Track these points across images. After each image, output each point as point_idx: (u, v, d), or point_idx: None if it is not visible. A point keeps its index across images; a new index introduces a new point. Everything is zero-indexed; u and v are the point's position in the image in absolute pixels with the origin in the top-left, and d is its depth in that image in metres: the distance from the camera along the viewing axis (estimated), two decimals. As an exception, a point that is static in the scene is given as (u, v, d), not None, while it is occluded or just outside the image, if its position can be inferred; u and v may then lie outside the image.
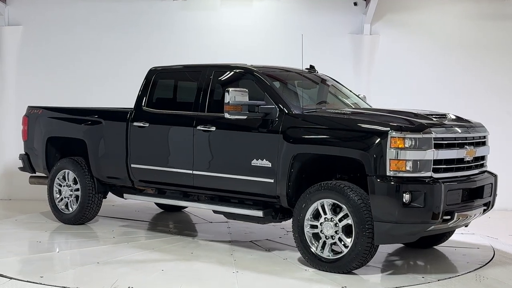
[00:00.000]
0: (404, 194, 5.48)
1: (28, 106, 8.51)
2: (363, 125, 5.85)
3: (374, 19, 10.43)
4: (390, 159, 5.56)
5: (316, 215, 6.00)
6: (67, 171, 7.95)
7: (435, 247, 7.03)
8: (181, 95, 7.47)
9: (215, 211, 6.89)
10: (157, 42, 10.32)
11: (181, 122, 6.98)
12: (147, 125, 7.24)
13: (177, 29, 10.36)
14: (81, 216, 7.83)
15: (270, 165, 6.25)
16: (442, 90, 10.44)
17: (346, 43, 10.48)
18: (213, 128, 6.68)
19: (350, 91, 7.71)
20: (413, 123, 5.77)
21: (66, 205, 7.98)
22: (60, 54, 10.35)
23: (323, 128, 6.06)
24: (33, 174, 8.59)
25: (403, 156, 5.55)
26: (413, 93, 10.33)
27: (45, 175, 8.41)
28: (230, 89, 6.23)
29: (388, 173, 5.56)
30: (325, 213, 5.93)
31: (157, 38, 10.33)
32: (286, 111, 6.29)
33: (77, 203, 7.86)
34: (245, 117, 6.33)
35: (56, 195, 8.06)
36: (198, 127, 6.78)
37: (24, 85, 10.36)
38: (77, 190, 7.88)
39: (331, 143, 5.94)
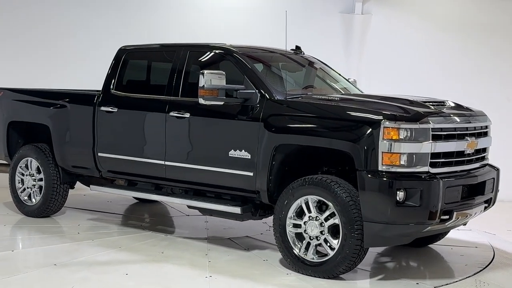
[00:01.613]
0: (397, 192, 4.89)
1: (-11, 88, 7.81)
2: (352, 113, 5.23)
3: (366, -2, 9.78)
4: (382, 152, 4.95)
5: (300, 213, 5.39)
6: (29, 159, 7.28)
7: (430, 246, 6.45)
8: (153, 78, 6.80)
9: (189, 206, 6.26)
10: (133, 20, 9.60)
11: (152, 107, 6.32)
12: (115, 110, 6.57)
13: (154, 6, 9.63)
14: (45, 208, 7.18)
15: (249, 157, 5.62)
16: (439, 75, 9.84)
17: (336, 23, 9.84)
18: (187, 115, 6.03)
19: (340, 75, 7.08)
20: (408, 112, 5.16)
21: (29, 196, 7.33)
22: (26, 30, 9.58)
23: (309, 116, 5.42)
24: (-5, 162, 7.92)
25: (397, 149, 4.94)
26: (407, 78, 9.72)
27: (8, 163, 7.74)
28: (205, 71, 5.58)
29: (380, 168, 4.95)
30: (309, 211, 5.32)
31: (133, 15, 9.61)
32: (268, 97, 5.65)
33: (40, 194, 7.21)
34: (222, 102, 5.69)
35: (19, 185, 7.40)
36: (171, 113, 6.12)
37: (10, 65, 9.61)
38: (40, 180, 7.22)
39: (317, 133, 5.31)
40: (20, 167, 7.37)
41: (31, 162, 7.28)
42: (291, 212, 5.40)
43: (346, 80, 7.04)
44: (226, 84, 5.68)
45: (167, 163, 6.19)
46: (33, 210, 7.24)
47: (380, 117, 5.02)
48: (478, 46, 9.80)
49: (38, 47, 9.59)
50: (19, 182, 7.39)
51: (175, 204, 6.94)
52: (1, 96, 7.56)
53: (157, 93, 6.36)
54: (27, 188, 7.33)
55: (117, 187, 6.82)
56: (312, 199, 5.30)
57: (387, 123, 4.96)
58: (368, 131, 5.02)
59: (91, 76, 8.70)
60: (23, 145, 7.52)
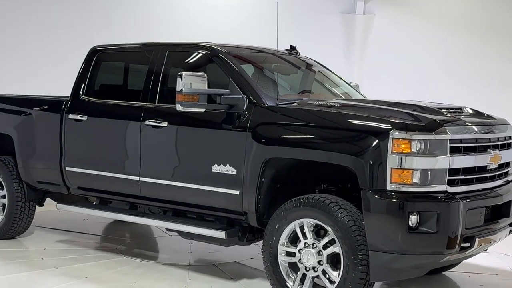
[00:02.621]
0: (410, 215, 4.10)
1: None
2: (355, 122, 4.44)
3: (368, -4, 9.06)
4: (391, 167, 4.15)
5: (294, 239, 4.59)
6: (-9, 173, 6.48)
7: (444, 273, 5.64)
8: (128, 81, 6.04)
9: (168, 229, 5.46)
10: (113, 20, 8.83)
11: (126, 115, 5.54)
12: (85, 118, 5.78)
13: (136, 4, 8.86)
14: (9, 229, 6.36)
15: (235, 172, 4.83)
16: (446, 78, 9.12)
17: (336, 23, 9.17)
18: (165, 124, 5.23)
19: (340, 78, 6.30)
20: (421, 120, 4.37)
21: (-8, 215, 6.53)
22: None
23: (304, 125, 4.63)
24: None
25: (408, 164, 4.14)
26: (413, 82, 9.01)
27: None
28: (184, 73, 4.80)
29: (388, 187, 4.16)
30: (305, 237, 4.52)
31: (113, 14, 8.84)
32: (257, 103, 4.87)
33: (3, 213, 6.40)
34: (203, 109, 4.90)
35: (-20, 202, 6.59)
36: (146, 122, 5.33)
37: None
38: (3, 197, 6.41)
39: (314, 145, 4.52)
40: (-18, 182, 6.57)
41: (-8, 176, 6.49)
42: (284, 238, 4.60)
43: (348, 84, 6.26)
44: (208, 88, 4.90)
45: (142, 179, 5.39)
46: (-5, 230, 6.44)
47: (388, 126, 4.23)
48: (487, 49, 9.06)
49: (7, 50, 8.81)
50: (-20, 199, 6.59)
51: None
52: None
53: (132, 99, 5.58)
54: (-11, 206, 6.53)
55: (86, 206, 6.01)
56: (308, 223, 4.50)
57: (396, 133, 4.17)
58: (374, 143, 4.22)
59: (67, 81, 7.91)
60: (-14, 158, 6.71)
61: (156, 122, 5.28)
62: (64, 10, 8.80)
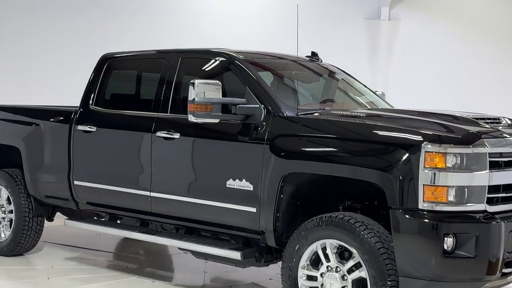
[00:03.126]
0: (445, 238, 3.70)
1: (-41, 104, 6.78)
2: (382, 134, 4.05)
3: (393, 2, 8.77)
4: (423, 184, 3.76)
5: (316, 262, 4.20)
6: (-1, 187, 6.21)
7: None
8: (140, 91, 5.72)
9: (180, 248, 5.11)
10: (130, 28, 8.56)
11: (136, 126, 5.22)
12: (94, 129, 5.47)
13: (151, 13, 8.59)
14: (16, 245, 6.06)
15: (251, 188, 4.46)
16: (476, 86, 8.65)
17: (360, 29, 8.80)
18: (177, 135, 4.89)
19: (365, 86, 5.91)
20: (456, 131, 3.96)
21: (-1, 231, 6.25)
22: (15, 39, 8.59)
23: (327, 137, 4.25)
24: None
25: (443, 181, 3.74)
26: (441, 90, 8.58)
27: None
28: (196, 81, 4.45)
29: (420, 206, 3.76)
30: (327, 259, 4.12)
31: (129, 22, 8.58)
32: (275, 113, 4.50)
33: (10, 229, 6.11)
34: (217, 120, 4.54)
35: (-12, 217, 6.32)
36: (158, 133, 5.00)
37: None
38: (11, 212, 6.12)
39: (337, 159, 4.13)
40: (-10, 196, 6.30)
41: (0, 190, 6.20)
42: (304, 260, 4.21)
43: (373, 92, 5.87)
44: (223, 97, 4.55)
45: (153, 194, 5.05)
46: (2, 247, 6.13)
47: (420, 138, 3.83)
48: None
49: (29, 58, 8.61)
50: (-13, 214, 6.32)
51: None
52: (-31, 114, 6.50)
53: (143, 109, 5.26)
54: (-4, 221, 6.25)
55: (95, 222, 5.69)
56: (331, 244, 4.11)
57: (429, 146, 3.77)
58: (404, 157, 3.83)
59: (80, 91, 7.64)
60: (-5, 170, 6.45)
61: (168, 134, 4.94)
62: (75, 18, 8.57)
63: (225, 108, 4.57)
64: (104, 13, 8.66)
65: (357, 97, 5.66)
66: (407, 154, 3.83)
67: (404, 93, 8.52)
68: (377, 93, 5.96)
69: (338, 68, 5.94)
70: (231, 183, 4.56)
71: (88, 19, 8.63)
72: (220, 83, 4.53)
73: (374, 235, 3.94)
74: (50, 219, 6.31)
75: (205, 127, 4.70)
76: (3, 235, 6.17)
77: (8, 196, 6.12)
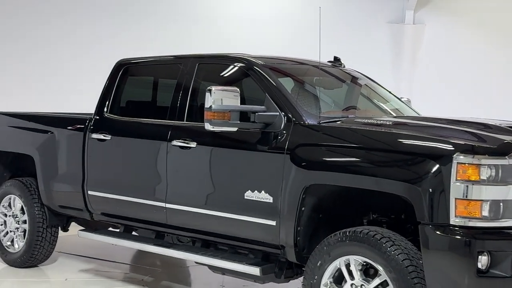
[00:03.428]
0: (479, 256, 3.44)
1: (-26, 111, 6.67)
2: (410, 143, 3.80)
3: (418, 6, 8.48)
4: (455, 198, 3.50)
5: (339, 279, 3.95)
6: (12, 196, 6.06)
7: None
8: (155, 97, 5.54)
9: (197, 262, 4.89)
10: (150, 34, 8.42)
11: (151, 134, 5.03)
12: (108, 137, 5.30)
13: (169, 18, 8.43)
14: (29, 257, 5.91)
15: (270, 200, 4.24)
16: (505, 92, 8.30)
17: (383, 34, 8.57)
18: (193, 144, 4.69)
19: (390, 92, 5.66)
20: (489, 141, 3.70)
21: (12, 241, 6.09)
22: (34, 47, 8.52)
23: (350, 146, 4.02)
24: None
25: (477, 194, 3.48)
26: (469, 97, 8.25)
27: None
28: (213, 87, 4.24)
29: (452, 221, 3.50)
30: (352, 277, 3.87)
31: (149, 28, 8.44)
32: (296, 121, 4.28)
33: (24, 239, 5.96)
34: (235, 129, 4.33)
35: (1, 228, 6.17)
36: (174, 142, 4.80)
37: None
38: (25, 222, 5.97)
39: (362, 170, 3.89)
40: (4, 206, 6.15)
41: (14, 200, 6.06)
42: (327, 277, 3.96)
43: (398, 99, 5.61)
44: (241, 104, 4.34)
45: (168, 205, 4.85)
46: (16, 258, 5.98)
47: (451, 148, 3.58)
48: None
49: (48, 66, 8.51)
50: (1, 224, 6.17)
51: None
52: (-16, 122, 6.39)
53: (159, 117, 5.07)
54: (10, 231, 6.09)
55: (109, 234, 5.49)
56: (355, 260, 3.86)
57: (461, 157, 3.51)
58: (434, 169, 3.58)
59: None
60: (9, 179, 6.31)
61: (184, 143, 4.74)
62: (91, 24, 8.47)
63: (244, 116, 4.36)
64: (121, 20, 8.54)
65: (382, 104, 5.42)
66: (437, 166, 3.58)
67: (430, 100, 8.23)
68: (402, 99, 5.72)
69: (361, 74, 5.70)
70: (250, 195, 4.35)
71: (105, 25, 8.52)
72: (238, 89, 4.33)
73: (401, 251, 3.68)
74: (65, 229, 6.16)
75: (222, 135, 4.50)
76: (16, 246, 6.02)
77: (22, 205, 5.98)
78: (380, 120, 4.44)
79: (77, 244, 6.90)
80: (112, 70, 5.56)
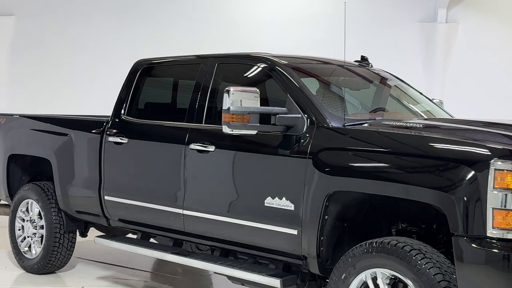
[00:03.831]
0: (519, 271, 3.11)
1: (-6, 114, 6.58)
2: (442, 147, 3.51)
3: (451, 3, 8.13)
4: (493, 208, 3.20)
5: (365, 294, 3.68)
6: (30, 201, 5.92)
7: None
8: (173, 99, 5.34)
9: (215, 272, 4.66)
10: (169, 35, 8.25)
11: (168, 137, 4.83)
12: (125, 141, 5.11)
13: (188, 19, 8.25)
14: (46, 263, 5.75)
15: (292, 208, 3.98)
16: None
17: (414, 33, 8.24)
18: (212, 148, 4.47)
19: (421, 93, 5.36)
20: (530, 145, 3.38)
21: (30, 247, 5.95)
22: (60, 48, 8.44)
23: (377, 151, 3.73)
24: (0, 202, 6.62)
25: (516, 204, 3.17)
26: (504, 98, 7.85)
27: (13, 204, 6.41)
28: (232, 88, 4.00)
29: (489, 233, 3.21)
30: (378, 291, 3.60)
31: (168, 29, 8.26)
32: (319, 123, 4.02)
33: (41, 245, 5.81)
34: (255, 132, 4.09)
35: (19, 233, 6.04)
36: (191, 146, 4.59)
37: (17, 86, 8.51)
38: (42, 227, 5.82)
39: (389, 176, 3.61)
40: (21, 210, 6.02)
41: (31, 204, 5.92)
42: (352, 291, 3.70)
43: (430, 100, 5.31)
44: (261, 105, 4.09)
45: (185, 212, 4.63)
46: (33, 264, 5.84)
47: (487, 153, 3.29)
48: None
49: (74, 67, 8.42)
50: (19, 229, 6.04)
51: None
52: (3, 124, 6.28)
53: (177, 119, 4.86)
54: (27, 237, 5.96)
55: (126, 241, 5.29)
56: (382, 274, 3.58)
57: (499, 163, 3.21)
58: (469, 175, 3.28)
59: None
60: (27, 183, 6.17)
61: (202, 146, 4.52)
62: (109, 25, 8.34)
63: (264, 119, 4.11)
64: (140, 20, 8.38)
65: (412, 106, 5.12)
66: (472, 172, 3.28)
67: (463, 101, 7.86)
68: (434, 101, 5.41)
69: (390, 74, 5.41)
70: (270, 202, 4.10)
71: (123, 26, 8.38)
72: (258, 90, 4.08)
73: (433, 265, 3.39)
74: (84, 235, 5.99)
75: (241, 139, 4.26)
76: (34, 252, 5.89)
77: (39, 210, 5.83)
78: (410, 123, 4.16)
79: (96, 250, 6.73)
80: (130, 70, 5.37)
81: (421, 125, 4.08)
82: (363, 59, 5.32)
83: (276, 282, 4.10)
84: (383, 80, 5.27)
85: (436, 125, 4.25)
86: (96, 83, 8.17)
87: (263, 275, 4.18)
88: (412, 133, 3.81)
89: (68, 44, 8.45)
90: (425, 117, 4.88)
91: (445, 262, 3.43)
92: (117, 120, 5.27)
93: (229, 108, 3.99)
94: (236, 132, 4.05)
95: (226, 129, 4.03)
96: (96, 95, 7.97)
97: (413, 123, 4.18)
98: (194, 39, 8.14)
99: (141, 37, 8.29)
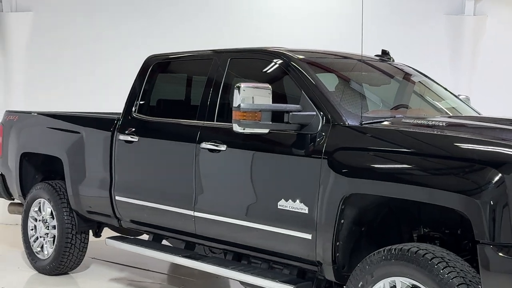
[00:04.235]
0: (550, 283, 2.86)
1: (6, 111, 6.47)
2: (467, 148, 3.26)
3: (479, -5, 7.74)
4: (522, 213, 2.94)
5: (383, 304, 3.44)
6: (42, 200, 5.80)
7: None
8: (185, 96, 5.15)
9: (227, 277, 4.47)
10: (187, 30, 8.06)
11: (179, 136, 4.65)
12: (136, 139, 4.94)
13: (205, 13, 8.06)
14: (58, 264, 5.63)
15: (306, 211, 3.77)
16: None
17: (440, 26, 7.91)
18: (223, 147, 4.27)
19: (446, 90, 5.08)
20: None
21: (42, 247, 5.84)
22: (78, 45, 8.31)
23: (397, 151, 3.49)
24: (13, 201, 6.51)
25: (547, 210, 2.91)
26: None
27: (27, 203, 6.31)
28: (242, 84, 3.80)
29: (517, 241, 2.94)
30: (398, 302, 3.36)
31: (187, 24, 8.09)
32: (335, 121, 3.79)
33: (53, 246, 5.69)
34: (267, 130, 3.88)
35: (31, 233, 5.93)
36: (202, 145, 4.39)
37: (34, 83, 8.43)
38: (54, 227, 5.70)
39: (410, 179, 3.37)
40: (34, 210, 5.91)
41: (43, 204, 5.80)
42: (369, 301, 3.47)
43: (456, 97, 5.03)
44: (273, 103, 3.88)
45: (196, 214, 4.45)
46: (45, 265, 5.72)
47: (516, 155, 3.03)
48: None
49: (93, 63, 8.30)
50: (32, 229, 5.93)
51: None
52: (15, 122, 6.17)
53: (189, 117, 4.67)
54: (40, 237, 5.84)
55: (137, 243, 5.11)
56: (402, 283, 3.34)
57: (529, 165, 2.95)
58: (496, 178, 3.03)
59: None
60: (40, 182, 6.06)
61: (213, 145, 4.32)
62: (120, 20, 8.20)
63: (277, 116, 3.89)
64: (153, 15, 8.21)
65: (437, 103, 4.86)
66: (499, 175, 3.02)
67: (491, 98, 7.53)
68: (460, 97, 5.13)
69: (413, 69, 5.14)
70: (283, 204, 3.89)
71: (136, 21, 8.21)
72: (270, 87, 3.87)
73: (457, 274, 3.14)
74: (97, 235, 5.86)
75: (254, 137, 4.05)
76: (46, 252, 5.77)
77: (51, 210, 5.71)
78: (433, 121, 3.91)
79: (111, 250, 6.56)
80: (141, 66, 5.20)
81: (444, 123, 3.83)
82: (384, 53, 5.06)
83: (289, 288, 3.89)
84: (406, 75, 5.02)
85: (461, 123, 4.00)
86: (116, 79, 8.02)
87: (276, 281, 3.97)
88: (436, 132, 3.57)
89: (86, 40, 8.33)
90: (450, 114, 4.62)
91: (469, 271, 3.18)
92: (128, 117, 5.11)
93: (239, 105, 3.78)
94: (247, 130, 3.84)
95: (236, 128, 3.83)
96: (116, 92, 7.81)
97: (436, 121, 3.92)
98: (209, 34, 7.94)
99: (159, 32, 8.11)
